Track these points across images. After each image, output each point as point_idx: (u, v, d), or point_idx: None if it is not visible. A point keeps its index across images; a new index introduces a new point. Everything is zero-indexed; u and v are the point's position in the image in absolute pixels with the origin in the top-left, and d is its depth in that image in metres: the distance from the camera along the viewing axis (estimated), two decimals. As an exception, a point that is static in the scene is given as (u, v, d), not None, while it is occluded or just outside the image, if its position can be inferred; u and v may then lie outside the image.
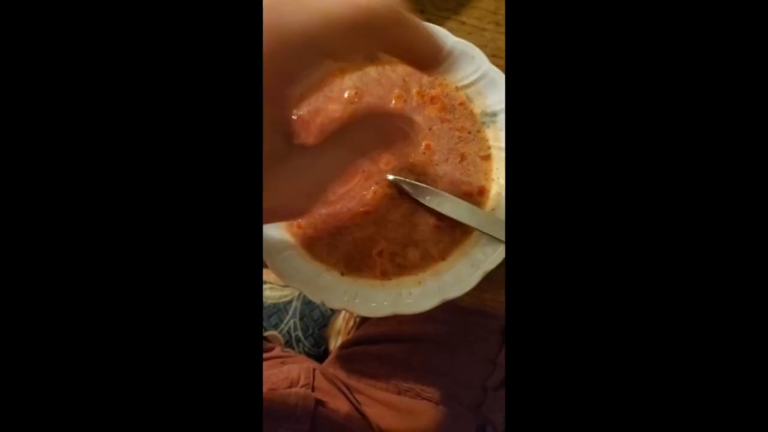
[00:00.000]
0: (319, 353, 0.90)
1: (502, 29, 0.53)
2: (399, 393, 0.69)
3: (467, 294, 0.43)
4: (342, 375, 0.73)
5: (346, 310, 0.42)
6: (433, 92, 0.47)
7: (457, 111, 0.47)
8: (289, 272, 0.42)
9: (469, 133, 0.47)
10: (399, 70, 0.47)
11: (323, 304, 0.41)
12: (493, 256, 0.42)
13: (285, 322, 0.88)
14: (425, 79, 0.47)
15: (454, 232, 0.45)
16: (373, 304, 0.41)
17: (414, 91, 0.47)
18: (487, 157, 0.46)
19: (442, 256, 0.44)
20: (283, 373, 0.67)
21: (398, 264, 0.44)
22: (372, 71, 0.48)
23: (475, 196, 0.46)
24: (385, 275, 0.44)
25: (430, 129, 0.46)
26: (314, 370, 0.70)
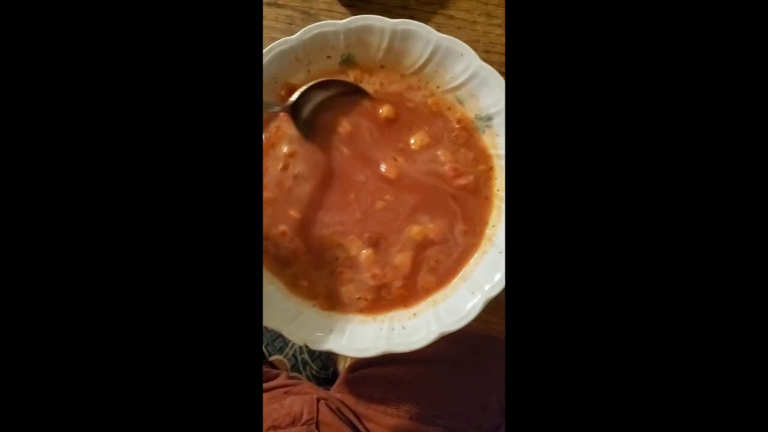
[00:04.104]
0: (327, 376, 0.85)
1: (496, 20, 0.48)
2: (411, 419, 0.65)
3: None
4: (350, 401, 0.69)
5: (332, 352, 0.37)
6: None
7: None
8: (267, 310, 0.37)
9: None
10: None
11: (305, 347, 0.36)
12: (496, 280, 0.37)
13: (290, 345, 0.84)
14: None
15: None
16: (363, 344, 0.36)
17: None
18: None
19: (440, 282, 0.39)
20: (285, 408, 0.63)
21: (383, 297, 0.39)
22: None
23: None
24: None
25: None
26: (318, 401, 0.66)
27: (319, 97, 0.42)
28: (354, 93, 0.42)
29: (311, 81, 0.41)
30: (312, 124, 0.42)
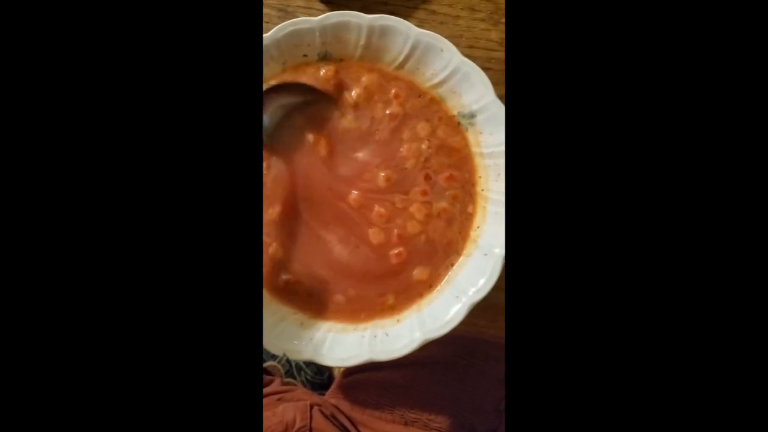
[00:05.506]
0: (322, 381, 0.84)
1: (479, 14, 0.46)
2: (406, 424, 0.64)
3: (460, 322, 0.37)
4: (345, 406, 0.68)
5: (313, 362, 0.35)
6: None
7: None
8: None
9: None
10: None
11: (285, 356, 0.35)
12: (481, 284, 0.35)
13: (284, 350, 0.83)
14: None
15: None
16: (344, 353, 0.35)
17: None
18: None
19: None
20: (278, 416, 0.61)
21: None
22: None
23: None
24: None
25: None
26: (312, 408, 0.64)
27: (280, 102, 0.39)
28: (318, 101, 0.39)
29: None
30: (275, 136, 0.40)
